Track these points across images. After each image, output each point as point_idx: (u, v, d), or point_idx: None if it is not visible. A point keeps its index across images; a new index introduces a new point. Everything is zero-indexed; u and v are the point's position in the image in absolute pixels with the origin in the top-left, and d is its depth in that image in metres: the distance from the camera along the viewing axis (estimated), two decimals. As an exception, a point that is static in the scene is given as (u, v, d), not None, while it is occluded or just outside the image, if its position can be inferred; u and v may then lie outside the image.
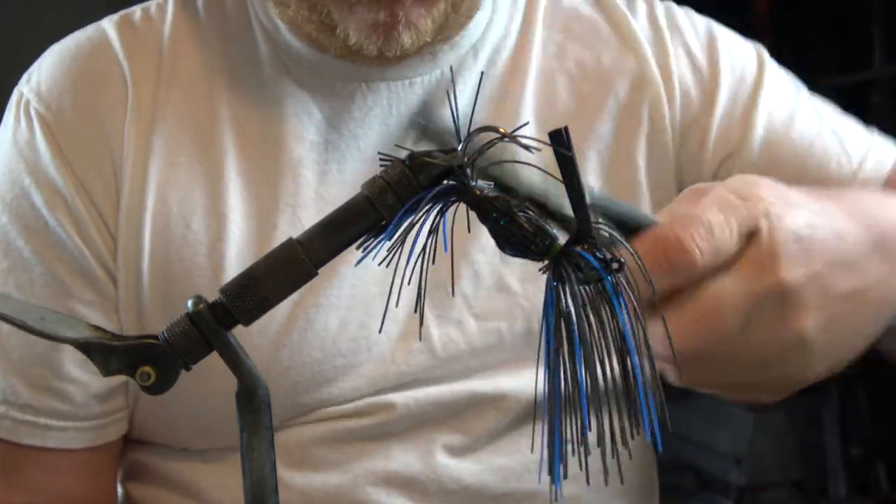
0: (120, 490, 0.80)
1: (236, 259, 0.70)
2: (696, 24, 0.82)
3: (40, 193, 0.70)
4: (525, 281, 0.75)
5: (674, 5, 0.84)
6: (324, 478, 0.72)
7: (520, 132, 0.38)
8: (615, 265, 0.38)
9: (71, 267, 0.71)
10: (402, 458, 0.73)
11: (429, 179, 0.38)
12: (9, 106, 0.75)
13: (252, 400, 0.39)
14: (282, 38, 0.74)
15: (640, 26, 0.81)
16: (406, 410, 0.73)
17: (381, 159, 0.40)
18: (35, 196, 0.71)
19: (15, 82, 0.76)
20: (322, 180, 0.73)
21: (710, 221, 0.46)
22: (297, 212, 0.72)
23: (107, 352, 0.39)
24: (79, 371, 0.72)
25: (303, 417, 0.73)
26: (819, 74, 2.62)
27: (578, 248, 0.38)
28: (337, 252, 0.39)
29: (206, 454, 0.74)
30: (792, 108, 0.80)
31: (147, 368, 0.38)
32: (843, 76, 2.33)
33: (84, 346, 0.39)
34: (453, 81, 0.69)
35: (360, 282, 0.72)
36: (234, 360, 0.39)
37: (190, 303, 0.39)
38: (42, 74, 0.74)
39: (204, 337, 0.38)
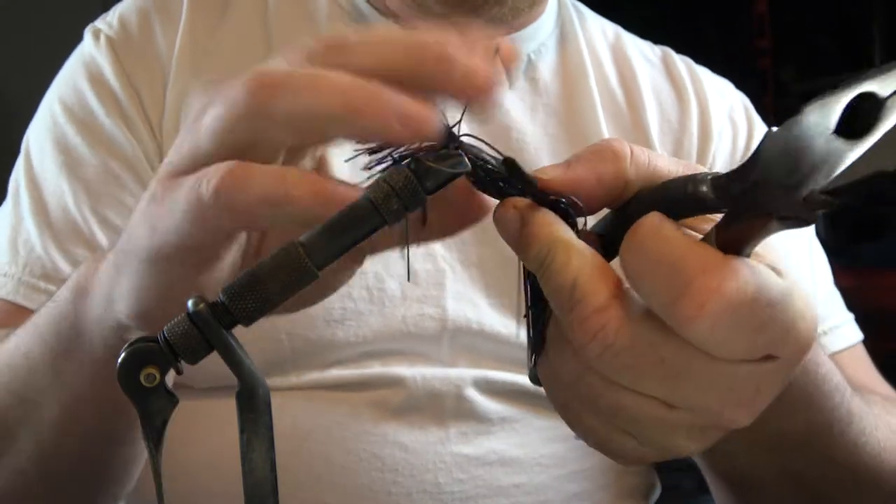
0: None
1: None
2: (752, 130, 0.90)
3: (98, 97, 0.78)
4: None
5: (747, 100, 0.92)
6: (332, 453, 0.72)
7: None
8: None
9: (124, 163, 0.76)
10: (411, 439, 0.73)
11: (435, 185, 0.39)
12: (82, 42, 0.83)
13: (252, 400, 0.39)
14: None
15: (696, 102, 0.88)
16: (414, 386, 0.73)
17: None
18: (93, 99, 0.78)
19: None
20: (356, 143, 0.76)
21: None
22: (330, 160, 0.75)
23: None
24: None
25: (310, 374, 0.73)
26: (819, 74, 2.63)
27: None
28: (339, 255, 0.39)
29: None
30: (803, 247, 0.85)
31: (151, 369, 0.39)
32: (843, 76, 2.33)
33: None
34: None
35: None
36: (235, 360, 0.39)
37: (190, 302, 0.39)
38: (116, 11, 0.83)
39: (204, 337, 0.38)
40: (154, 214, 0.42)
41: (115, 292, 0.47)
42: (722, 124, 0.87)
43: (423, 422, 0.74)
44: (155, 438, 0.39)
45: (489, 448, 0.75)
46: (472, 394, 0.75)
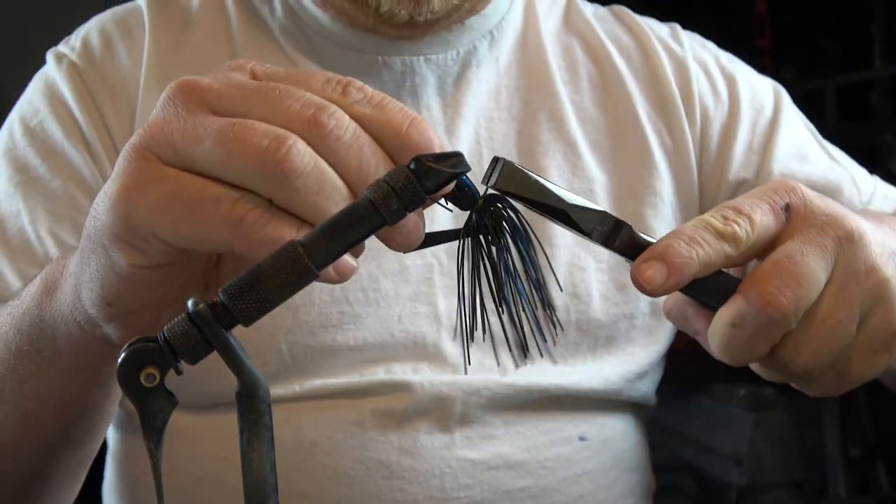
0: (112, 437, 0.83)
1: None
2: (718, 56, 0.89)
3: (58, 121, 0.77)
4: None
5: (698, 36, 0.91)
6: (338, 463, 0.72)
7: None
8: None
9: (83, 189, 0.75)
10: (417, 445, 0.73)
11: (434, 186, 0.38)
12: (45, 65, 0.81)
13: (252, 400, 0.39)
14: (304, 10, 0.79)
15: (660, 45, 0.86)
16: (422, 391, 0.73)
17: None
18: (53, 123, 0.77)
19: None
20: None
21: (799, 270, 0.45)
22: None
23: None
24: None
25: (313, 382, 0.73)
26: (819, 74, 2.63)
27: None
28: (340, 254, 0.39)
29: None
30: (806, 143, 0.87)
31: (151, 370, 0.38)
32: (843, 76, 2.33)
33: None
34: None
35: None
36: (235, 360, 0.39)
37: (190, 303, 0.39)
38: (79, 34, 0.82)
39: (204, 337, 0.38)
40: (133, 198, 0.42)
41: (81, 281, 0.47)
42: (696, 71, 0.86)
43: (429, 427, 0.74)
44: (155, 438, 0.39)
45: (494, 452, 0.75)
46: (478, 399, 0.74)
